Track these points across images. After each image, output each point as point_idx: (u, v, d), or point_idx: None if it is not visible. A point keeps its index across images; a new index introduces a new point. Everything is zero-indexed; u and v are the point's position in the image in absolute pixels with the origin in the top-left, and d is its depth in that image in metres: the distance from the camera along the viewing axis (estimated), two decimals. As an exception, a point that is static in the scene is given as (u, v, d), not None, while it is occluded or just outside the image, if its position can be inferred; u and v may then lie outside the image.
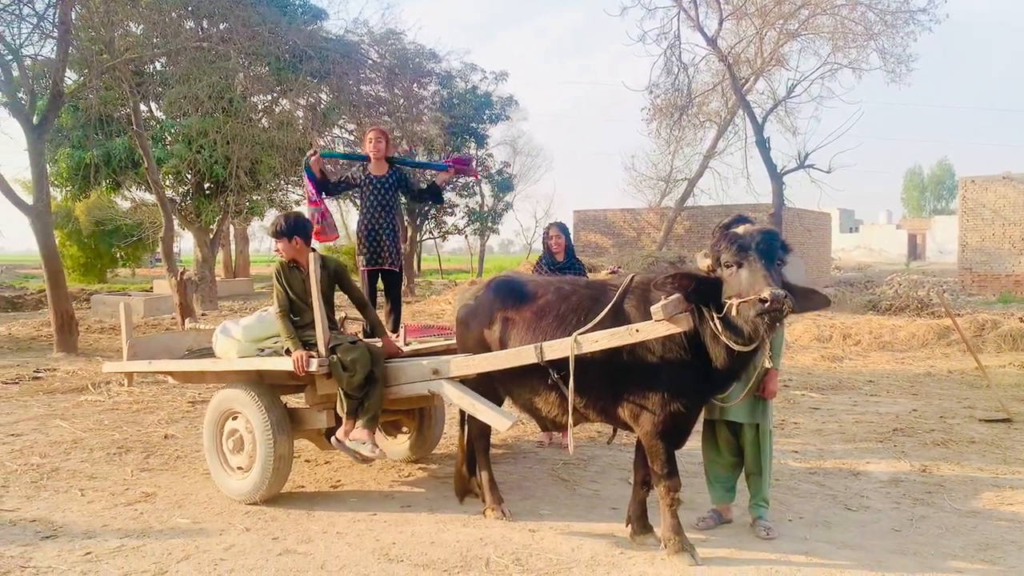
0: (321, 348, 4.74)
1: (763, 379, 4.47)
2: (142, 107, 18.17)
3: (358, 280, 6.22)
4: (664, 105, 23.14)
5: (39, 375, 10.13)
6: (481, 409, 4.49)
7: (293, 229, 5.04)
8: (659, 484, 4.17)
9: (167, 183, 19.94)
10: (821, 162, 21.65)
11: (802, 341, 13.27)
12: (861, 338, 13.15)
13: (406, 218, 27.46)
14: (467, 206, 34.50)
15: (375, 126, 6.94)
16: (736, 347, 3.79)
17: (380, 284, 6.56)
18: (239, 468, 5.12)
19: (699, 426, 4.58)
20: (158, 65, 18.35)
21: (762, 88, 23.54)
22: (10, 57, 12.24)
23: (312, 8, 21.71)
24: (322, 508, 5.01)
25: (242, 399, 5.05)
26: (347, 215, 34.23)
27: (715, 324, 3.83)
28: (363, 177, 6.39)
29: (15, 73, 12.65)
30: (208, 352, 5.62)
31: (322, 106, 21.13)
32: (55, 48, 12.38)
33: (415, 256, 33.45)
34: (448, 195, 31.34)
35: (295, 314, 4.99)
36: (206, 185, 20.47)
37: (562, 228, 6.94)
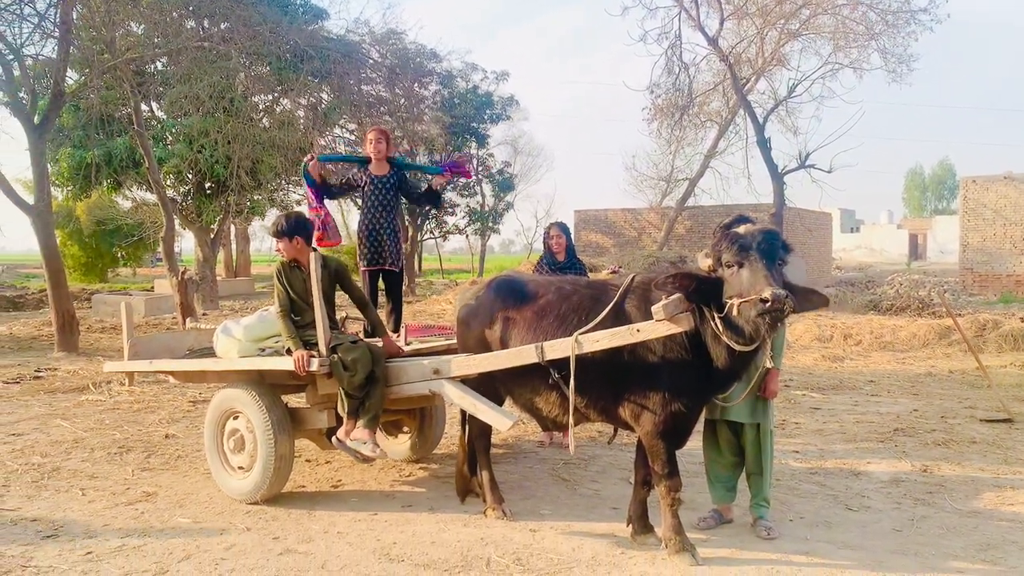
0: (322, 348, 4.74)
1: (764, 379, 4.47)
2: (143, 107, 18.17)
3: (359, 280, 6.22)
4: (665, 105, 23.15)
5: (40, 374, 10.14)
6: (482, 409, 4.49)
7: (294, 229, 5.05)
8: (660, 484, 4.17)
9: (168, 183, 19.94)
10: (822, 162, 21.72)
11: (803, 341, 13.26)
12: (862, 338, 13.14)
13: (407, 218, 27.45)
14: (468, 206, 34.52)
15: (376, 126, 6.92)
16: (737, 347, 3.79)
17: (381, 284, 6.56)
18: (240, 468, 5.13)
19: (700, 426, 4.58)
20: (159, 65, 18.35)
21: (763, 88, 23.58)
22: (11, 56, 12.25)
23: (313, 8, 21.72)
24: (323, 508, 5.01)
25: (243, 399, 5.05)
26: (348, 215, 34.33)
27: (716, 324, 3.82)
28: (364, 177, 6.38)
29: (16, 73, 12.65)
30: (209, 352, 5.62)
31: (323, 106, 21.15)
32: (56, 48, 12.39)
33: (416, 256, 33.46)
34: (449, 195, 31.35)
35: (296, 314, 4.99)
36: (207, 185, 20.48)
37: (563, 228, 6.94)
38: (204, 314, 16.13)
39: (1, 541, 4.41)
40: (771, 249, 3.70)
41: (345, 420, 4.79)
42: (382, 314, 6.00)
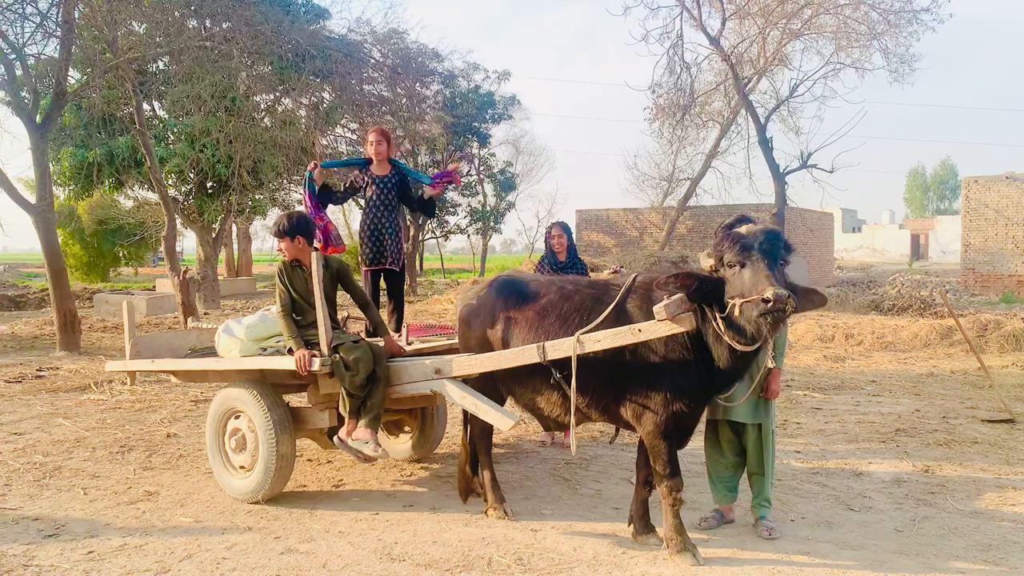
0: (324, 347, 4.75)
1: (766, 379, 4.47)
2: (145, 106, 18.18)
3: (360, 279, 6.22)
4: (667, 105, 23.13)
5: (42, 374, 10.15)
6: (483, 408, 4.49)
7: (296, 228, 5.04)
8: (661, 484, 4.17)
9: (170, 182, 19.94)
10: (824, 162, 21.78)
11: (804, 341, 13.25)
12: (864, 338, 13.13)
13: (408, 217, 27.45)
14: (469, 205, 34.50)
15: (376, 126, 6.89)
16: (739, 347, 3.78)
17: (383, 284, 6.56)
18: (242, 467, 5.13)
19: (701, 426, 4.58)
20: (161, 64, 18.37)
21: (765, 88, 23.58)
22: (13, 56, 12.26)
23: (315, 7, 21.72)
24: (324, 507, 5.02)
25: (245, 398, 5.05)
26: (349, 215, 34.32)
27: (718, 324, 3.82)
28: (366, 178, 6.38)
29: (18, 72, 12.66)
30: (211, 351, 5.62)
31: (325, 105, 21.16)
32: (58, 47, 12.41)
33: (417, 255, 33.47)
34: (451, 195, 31.37)
35: (298, 313, 4.99)
36: (209, 184, 20.48)
37: (564, 227, 6.94)
38: (206, 313, 16.15)
39: (3, 540, 4.41)
40: (773, 249, 3.69)
41: (347, 420, 4.79)
42: (384, 314, 6.00)
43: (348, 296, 5.40)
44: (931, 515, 4.87)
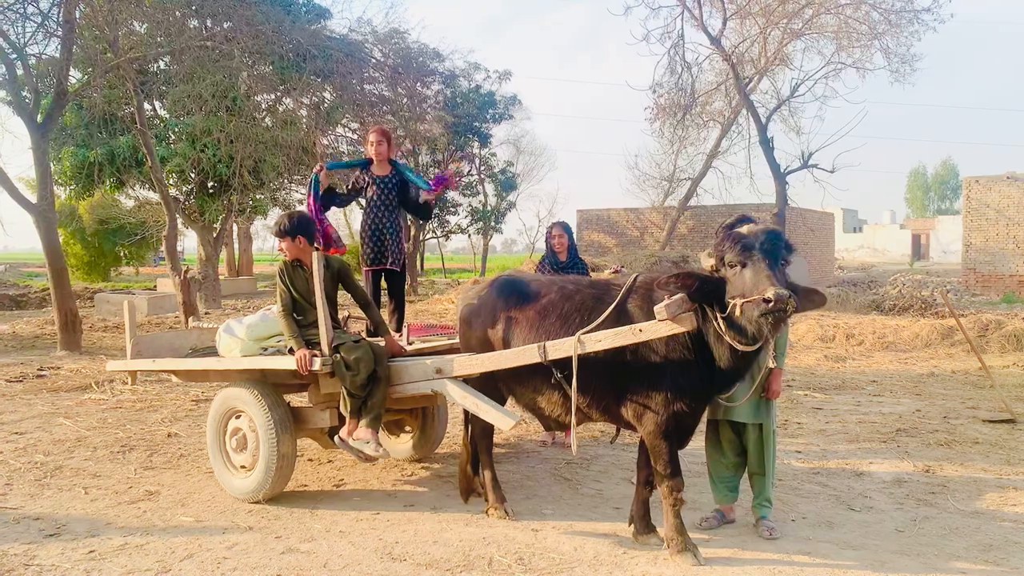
0: (324, 347, 4.75)
1: (767, 379, 4.47)
2: (146, 106, 18.20)
3: (361, 279, 6.22)
4: (668, 104, 23.11)
5: (43, 373, 10.16)
6: (484, 408, 4.49)
7: (297, 228, 5.04)
8: (662, 484, 4.17)
9: (171, 182, 19.95)
10: (825, 162, 21.76)
11: (805, 341, 13.25)
12: (864, 338, 13.12)
13: (409, 217, 27.46)
14: (470, 205, 34.51)
15: (377, 126, 6.87)
16: (740, 347, 3.78)
17: (384, 283, 6.56)
18: (242, 467, 5.13)
19: (702, 426, 4.58)
20: (162, 64, 18.38)
21: (766, 87, 23.56)
22: (14, 56, 12.27)
23: (316, 7, 21.73)
24: (325, 507, 5.02)
25: (245, 398, 5.05)
26: (350, 215, 34.34)
27: (719, 324, 3.82)
28: (367, 178, 6.38)
29: (19, 71, 12.67)
30: (212, 351, 5.62)
31: (325, 105, 21.16)
32: (59, 47, 12.42)
33: (418, 255, 33.47)
34: (451, 195, 31.35)
35: (298, 313, 4.99)
36: (210, 184, 20.50)
37: (565, 227, 6.94)
38: (207, 313, 16.16)
39: (4, 539, 4.41)
40: (774, 249, 3.69)
41: (347, 419, 4.79)
42: (384, 314, 6.00)
43: (349, 296, 5.39)
44: (932, 515, 4.87)
